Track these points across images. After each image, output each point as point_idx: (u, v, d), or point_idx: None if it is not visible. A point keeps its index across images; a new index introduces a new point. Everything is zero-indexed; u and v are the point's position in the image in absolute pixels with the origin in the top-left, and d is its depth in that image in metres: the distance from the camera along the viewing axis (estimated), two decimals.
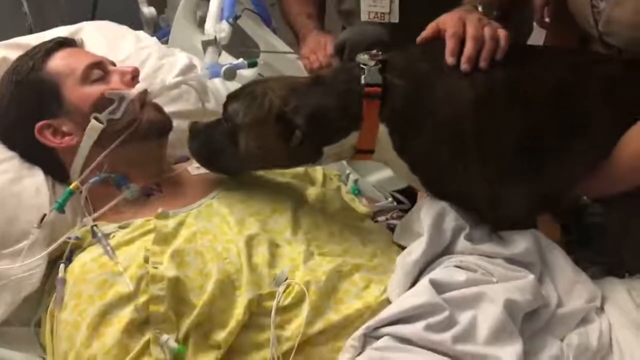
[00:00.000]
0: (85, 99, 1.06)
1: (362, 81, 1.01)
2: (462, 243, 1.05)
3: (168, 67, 1.31)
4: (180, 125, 1.26)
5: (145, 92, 1.10)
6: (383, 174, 1.52)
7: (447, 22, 1.05)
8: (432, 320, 0.88)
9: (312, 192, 1.20)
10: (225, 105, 1.06)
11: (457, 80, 1.02)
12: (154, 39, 1.45)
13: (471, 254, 1.03)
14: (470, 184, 1.05)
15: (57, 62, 1.08)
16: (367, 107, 1.01)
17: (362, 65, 1.03)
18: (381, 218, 1.32)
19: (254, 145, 1.03)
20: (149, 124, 1.10)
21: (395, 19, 1.31)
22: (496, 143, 1.02)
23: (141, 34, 1.44)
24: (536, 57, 1.10)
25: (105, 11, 2.20)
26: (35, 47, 1.12)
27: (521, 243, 1.05)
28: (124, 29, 1.42)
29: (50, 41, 1.12)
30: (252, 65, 1.21)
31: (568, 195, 1.11)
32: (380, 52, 1.05)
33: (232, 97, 1.06)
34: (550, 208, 1.14)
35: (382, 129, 1.03)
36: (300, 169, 1.29)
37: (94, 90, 1.06)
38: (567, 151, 1.05)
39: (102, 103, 1.05)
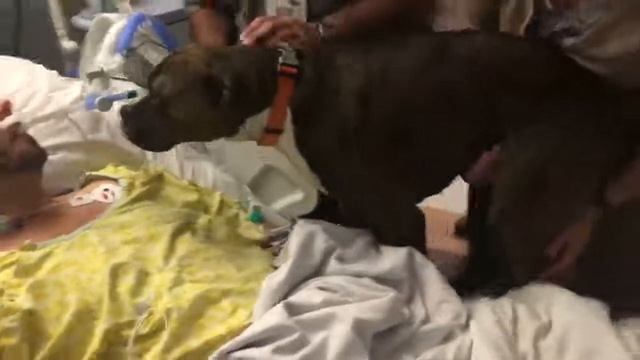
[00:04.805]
0: None
1: (280, 60, 1.07)
2: (332, 264, 1.06)
3: (56, 100, 1.32)
4: (65, 158, 1.28)
5: (16, 125, 1.11)
6: (290, 199, 1.54)
7: None
8: (281, 342, 0.89)
9: (201, 220, 1.21)
10: (150, 82, 1.07)
11: (343, 74, 1.08)
12: (51, 72, 1.46)
13: (340, 274, 1.05)
14: (356, 180, 1.10)
15: None
16: (281, 84, 1.06)
17: (280, 49, 1.09)
18: (276, 243, 1.33)
19: (184, 113, 1.04)
20: (20, 157, 1.10)
21: None
22: (371, 132, 1.07)
23: (38, 67, 1.45)
24: (406, 43, 1.13)
25: (30, 45, 2.23)
26: None
27: (389, 261, 1.07)
28: (20, 62, 1.44)
29: None
30: (131, 95, 1.22)
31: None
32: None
33: (154, 73, 1.08)
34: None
35: (288, 114, 1.08)
36: (193, 197, 1.30)
37: None
38: (437, 131, 1.09)
39: None
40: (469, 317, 1.03)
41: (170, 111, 1.05)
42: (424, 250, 1.12)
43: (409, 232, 1.12)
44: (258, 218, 1.39)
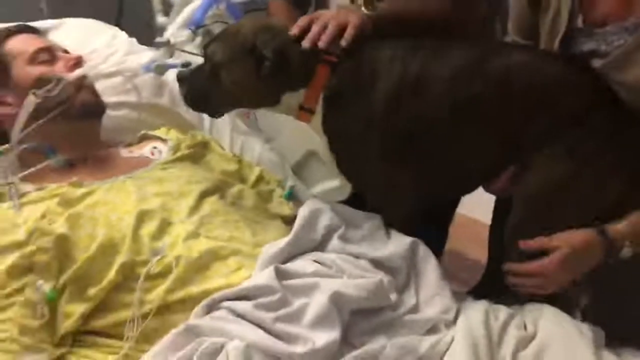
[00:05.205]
0: (27, 76, 1.23)
1: None
2: (334, 242, 1.13)
3: (128, 63, 1.47)
4: (126, 115, 1.44)
5: (83, 77, 1.26)
6: (327, 184, 1.62)
7: None
8: (262, 300, 0.97)
9: (233, 189, 1.31)
10: (205, 50, 1.19)
11: (380, 70, 1.13)
12: (132, 39, 1.62)
13: (340, 252, 1.12)
14: (365, 166, 1.17)
15: (13, 44, 1.27)
16: (319, 68, 1.14)
17: None
18: None
19: (230, 79, 1.14)
20: (82, 105, 1.26)
21: None
22: (393, 130, 1.13)
23: (121, 34, 1.62)
24: (447, 51, 1.16)
25: (131, 18, 2.44)
26: (0, 29, 1.31)
27: (390, 248, 1.12)
28: (106, 27, 1.62)
29: (13, 26, 1.31)
30: (185, 66, 1.34)
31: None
32: None
33: (210, 41, 1.19)
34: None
35: (321, 97, 1.16)
36: (232, 167, 1.42)
37: (37, 70, 1.24)
38: (459, 141, 1.13)
39: (42, 82, 1.22)
40: (459, 313, 1.06)
41: (219, 76, 1.15)
42: None
43: (399, 222, 1.17)
44: (292, 196, 1.48)
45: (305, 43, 1.12)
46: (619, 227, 1.05)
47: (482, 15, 1.33)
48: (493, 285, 1.39)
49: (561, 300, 1.15)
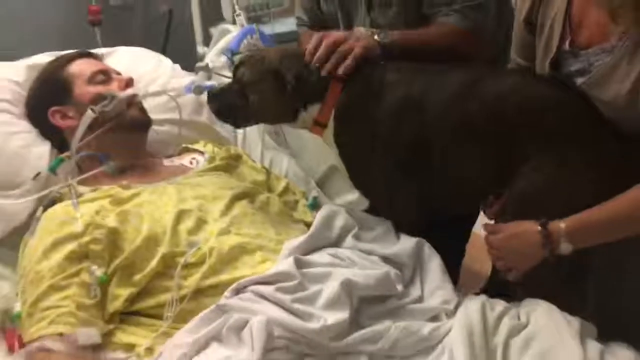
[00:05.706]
0: (86, 94, 1.43)
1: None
2: (348, 240, 1.28)
3: (172, 85, 1.66)
4: (169, 130, 1.61)
5: (134, 96, 1.45)
6: (349, 197, 1.77)
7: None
8: (283, 284, 1.11)
9: (261, 196, 1.48)
10: (234, 71, 1.37)
11: (386, 91, 1.27)
12: (175, 65, 1.81)
13: (353, 249, 1.26)
14: (370, 175, 1.30)
15: (75, 66, 1.48)
16: (332, 87, 1.30)
17: None
18: None
19: (257, 98, 1.31)
20: (131, 120, 1.45)
21: None
22: (395, 144, 1.27)
23: (166, 60, 1.81)
24: (447, 75, 1.29)
25: (174, 48, 2.66)
26: (64, 54, 1.52)
27: (397, 247, 1.26)
28: (153, 54, 1.82)
29: (75, 51, 1.52)
30: None
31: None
32: None
33: (239, 65, 1.36)
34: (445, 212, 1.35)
35: (332, 112, 1.31)
36: (261, 178, 1.58)
37: (95, 89, 1.44)
38: (458, 157, 1.25)
39: (98, 99, 1.41)
40: (459, 305, 1.18)
41: (246, 95, 1.32)
42: None
43: (405, 230, 1.31)
44: (315, 206, 1.63)
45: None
46: (560, 224, 1.14)
47: (496, 43, 1.46)
48: (497, 287, 1.50)
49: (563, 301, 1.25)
